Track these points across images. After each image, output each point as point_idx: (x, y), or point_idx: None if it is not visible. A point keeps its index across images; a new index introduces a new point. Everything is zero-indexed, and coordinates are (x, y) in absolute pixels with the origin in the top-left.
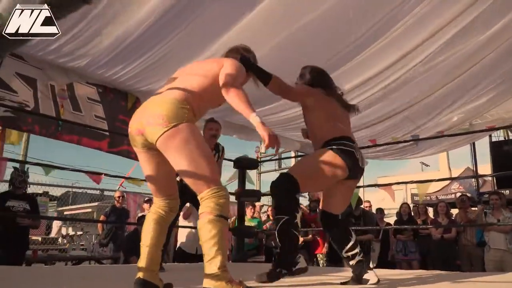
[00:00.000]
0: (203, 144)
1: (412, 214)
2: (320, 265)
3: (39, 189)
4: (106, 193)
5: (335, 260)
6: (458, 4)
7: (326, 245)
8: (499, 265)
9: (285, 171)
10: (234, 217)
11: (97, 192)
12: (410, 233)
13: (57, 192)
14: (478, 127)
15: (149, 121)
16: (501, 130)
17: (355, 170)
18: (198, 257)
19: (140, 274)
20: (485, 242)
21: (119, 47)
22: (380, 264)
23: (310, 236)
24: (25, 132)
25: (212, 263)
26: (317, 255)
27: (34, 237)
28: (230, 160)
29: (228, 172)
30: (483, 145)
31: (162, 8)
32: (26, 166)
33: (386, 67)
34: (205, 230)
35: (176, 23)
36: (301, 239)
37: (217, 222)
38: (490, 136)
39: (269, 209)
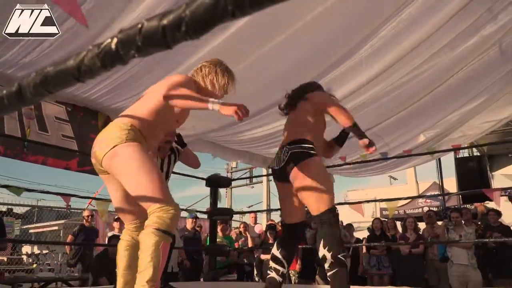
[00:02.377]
0: (147, 162)
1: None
2: (292, 282)
3: (2, 207)
4: (72, 210)
5: (306, 277)
6: (425, 27)
7: (299, 261)
8: (463, 280)
9: (255, 186)
10: (206, 234)
11: (63, 209)
12: (383, 248)
13: (21, 209)
14: (444, 143)
15: (95, 148)
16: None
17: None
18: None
19: None
20: (448, 257)
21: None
22: (351, 280)
23: None
24: None
25: (141, 276)
26: (290, 272)
27: None
28: (202, 178)
29: (200, 188)
30: (448, 159)
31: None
32: None
33: (356, 87)
34: (142, 241)
35: None
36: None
37: (156, 235)
38: (455, 152)
39: (241, 226)
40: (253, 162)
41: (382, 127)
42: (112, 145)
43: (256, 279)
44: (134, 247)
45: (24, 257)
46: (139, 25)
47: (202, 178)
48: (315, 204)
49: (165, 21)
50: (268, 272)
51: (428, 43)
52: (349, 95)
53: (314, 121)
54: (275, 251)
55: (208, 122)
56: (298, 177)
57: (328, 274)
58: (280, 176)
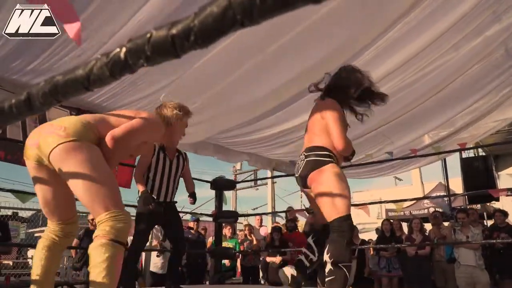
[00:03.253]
0: (103, 165)
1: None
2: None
3: (8, 211)
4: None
5: (312, 279)
6: (430, 30)
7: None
8: (470, 281)
9: (259, 188)
10: (211, 237)
11: None
12: (394, 249)
13: (26, 213)
14: (449, 144)
15: (49, 130)
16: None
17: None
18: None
19: None
20: (455, 258)
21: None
22: (357, 281)
23: (288, 255)
24: None
25: None
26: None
27: (4, 261)
28: (207, 181)
29: (205, 191)
30: (453, 159)
31: (139, 32)
32: None
33: None
34: (95, 254)
35: None
36: (279, 258)
37: (110, 246)
38: (461, 152)
39: (246, 228)
40: (258, 164)
41: (388, 128)
42: (74, 138)
43: (262, 281)
44: (55, 248)
45: (30, 261)
46: (148, 35)
47: (207, 181)
48: (328, 212)
49: (174, 31)
50: (298, 255)
51: (434, 45)
52: None
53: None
54: (310, 240)
55: (213, 125)
56: (313, 185)
57: (326, 279)
58: (301, 183)
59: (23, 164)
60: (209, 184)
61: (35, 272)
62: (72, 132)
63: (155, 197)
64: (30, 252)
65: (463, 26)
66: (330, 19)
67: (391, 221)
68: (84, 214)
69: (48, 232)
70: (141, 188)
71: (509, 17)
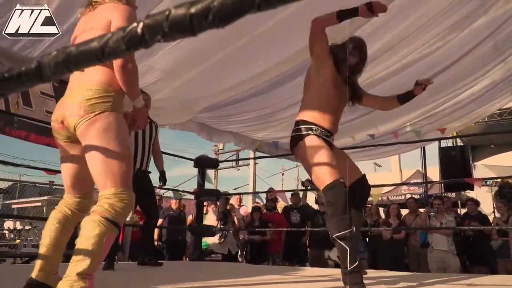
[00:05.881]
0: (124, 140)
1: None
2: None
3: None
4: (56, 186)
5: (290, 259)
6: (415, 17)
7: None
8: (442, 265)
9: (241, 168)
10: (191, 215)
11: (47, 185)
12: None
13: (3, 184)
14: (429, 132)
15: (71, 112)
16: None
17: None
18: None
19: (33, 274)
20: (428, 243)
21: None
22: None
23: (268, 235)
24: None
25: (75, 266)
26: (274, 254)
27: None
28: (190, 159)
29: (186, 169)
30: (432, 148)
31: None
32: None
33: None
34: (85, 228)
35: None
36: (259, 238)
37: (102, 225)
38: (440, 141)
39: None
40: (241, 144)
41: (373, 115)
42: (97, 111)
43: (240, 259)
44: (67, 222)
45: (6, 233)
46: (167, 12)
47: (190, 159)
48: (318, 183)
49: (193, 10)
50: None
51: (419, 33)
52: None
53: (316, 78)
54: None
55: (197, 103)
56: (300, 160)
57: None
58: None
59: (7, 134)
60: (191, 162)
61: (44, 243)
62: (91, 107)
63: None
64: (7, 224)
65: (449, 16)
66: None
67: (368, 206)
68: (62, 188)
69: (63, 206)
70: None
71: (496, 10)
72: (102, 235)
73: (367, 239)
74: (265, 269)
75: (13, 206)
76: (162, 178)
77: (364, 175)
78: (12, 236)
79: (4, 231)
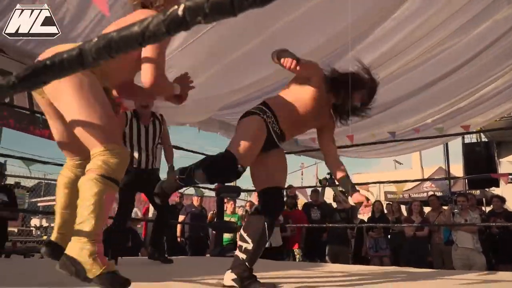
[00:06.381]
0: (101, 97)
1: (386, 211)
2: (297, 260)
3: (11, 180)
4: None
5: (311, 256)
6: (438, 9)
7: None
8: (466, 263)
9: None
10: (212, 212)
11: None
12: (380, 230)
13: (29, 183)
14: (452, 128)
15: None
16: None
17: None
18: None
19: (52, 236)
20: (453, 241)
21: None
22: (355, 260)
23: (288, 232)
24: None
25: (80, 229)
26: (294, 250)
27: (10, 228)
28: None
29: None
30: (455, 145)
31: None
32: (4, 159)
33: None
34: (83, 189)
35: None
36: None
37: (99, 182)
38: (463, 137)
39: (247, 204)
40: None
41: (394, 109)
42: None
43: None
44: (75, 184)
45: (33, 229)
46: None
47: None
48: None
49: None
50: None
51: (442, 25)
52: None
53: (304, 83)
54: None
55: (217, 102)
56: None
57: None
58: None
59: (31, 133)
60: None
61: (57, 208)
62: None
63: (135, 166)
64: (33, 221)
65: (471, 8)
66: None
67: (389, 203)
68: None
69: (67, 169)
70: None
71: None
72: (101, 193)
73: (389, 236)
74: (285, 264)
75: (39, 204)
76: (171, 173)
77: (280, 188)
78: (39, 233)
79: (31, 228)
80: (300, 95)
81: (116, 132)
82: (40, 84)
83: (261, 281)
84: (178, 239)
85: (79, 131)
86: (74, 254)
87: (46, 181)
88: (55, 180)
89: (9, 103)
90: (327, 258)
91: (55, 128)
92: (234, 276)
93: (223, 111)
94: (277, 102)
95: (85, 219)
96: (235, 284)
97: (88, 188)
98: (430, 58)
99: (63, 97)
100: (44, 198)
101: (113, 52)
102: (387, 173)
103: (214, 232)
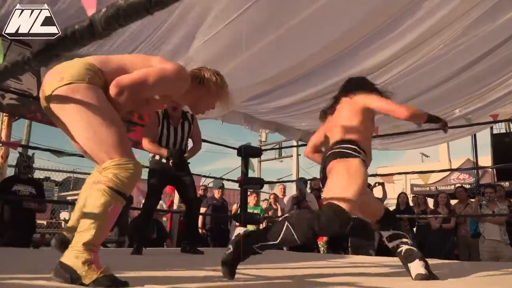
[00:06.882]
0: (107, 110)
1: (411, 204)
2: (321, 252)
3: (41, 174)
4: None
5: (334, 247)
6: None
7: None
8: (494, 255)
9: (284, 160)
10: (236, 204)
11: None
12: (405, 222)
13: (58, 177)
14: (481, 117)
15: (48, 78)
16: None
17: None
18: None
19: (65, 231)
20: (480, 233)
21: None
22: (380, 252)
23: None
24: (28, 120)
25: (80, 236)
26: (318, 243)
27: (39, 221)
28: (234, 148)
29: (229, 161)
30: (484, 137)
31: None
32: (32, 151)
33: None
34: (90, 198)
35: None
36: None
37: (107, 195)
38: (492, 128)
39: (271, 197)
40: (285, 134)
41: (421, 100)
42: (70, 80)
43: (284, 248)
44: None
45: (63, 222)
46: None
47: (234, 148)
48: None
49: None
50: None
51: (466, 13)
52: (384, 66)
53: (360, 120)
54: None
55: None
56: (331, 171)
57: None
58: (323, 181)
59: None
60: (233, 154)
61: (77, 205)
62: (69, 75)
63: (164, 160)
64: (63, 215)
65: None
66: None
67: (414, 196)
68: None
69: (96, 170)
70: (159, 150)
71: None
72: (107, 205)
73: (414, 229)
74: (309, 256)
75: (68, 198)
76: (176, 155)
77: (388, 209)
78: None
79: (61, 221)
80: (366, 118)
81: (127, 145)
82: (53, 58)
83: (291, 273)
84: (200, 231)
85: (88, 148)
86: (69, 262)
87: (75, 175)
88: (84, 174)
89: (37, 96)
90: (349, 250)
91: (72, 141)
92: None
93: (247, 102)
94: (360, 139)
95: (86, 228)
96: None
97: (96, 198)
98: (457, 46)
99: (69, 113)
100: (73, 192)
101: (122, 21)
102: (413, 165)
103: (237, 224)
